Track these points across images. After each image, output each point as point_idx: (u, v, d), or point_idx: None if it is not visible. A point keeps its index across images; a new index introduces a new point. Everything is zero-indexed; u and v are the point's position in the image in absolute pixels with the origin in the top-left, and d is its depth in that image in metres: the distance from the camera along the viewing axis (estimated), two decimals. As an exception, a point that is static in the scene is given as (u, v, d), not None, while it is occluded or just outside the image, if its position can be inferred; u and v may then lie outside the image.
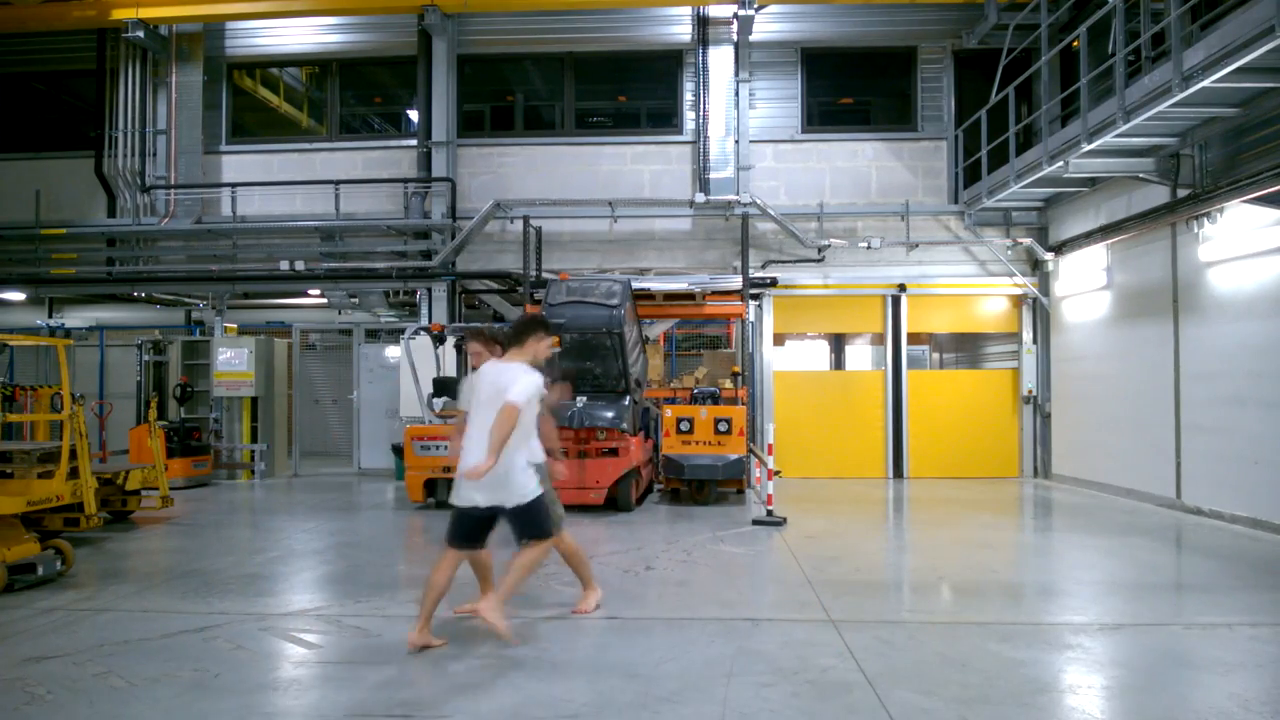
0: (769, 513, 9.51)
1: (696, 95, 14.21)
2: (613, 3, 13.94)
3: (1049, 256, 13.39)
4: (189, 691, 4.44)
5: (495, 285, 14.32)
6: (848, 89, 15.15)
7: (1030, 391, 13.85)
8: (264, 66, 15.63)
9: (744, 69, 14.08)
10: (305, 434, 15.25)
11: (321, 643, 5.26)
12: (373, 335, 15.49)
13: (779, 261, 13.88)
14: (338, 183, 14.28)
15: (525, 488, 5.10)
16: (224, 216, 14.64)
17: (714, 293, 12.67)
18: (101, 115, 14.82)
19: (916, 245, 13.83)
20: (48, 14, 14.06)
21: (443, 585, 5.08)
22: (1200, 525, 9.38)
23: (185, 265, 14.79)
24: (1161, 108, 8.50)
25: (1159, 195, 10.39)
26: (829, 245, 13.77)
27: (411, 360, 11.10)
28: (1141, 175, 10.35)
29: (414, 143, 14.44)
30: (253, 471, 13.95)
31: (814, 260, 13.78)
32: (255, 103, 15.82)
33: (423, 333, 11.67)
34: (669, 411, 10.95)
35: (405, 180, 14.31)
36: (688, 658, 4.91)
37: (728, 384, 12.98)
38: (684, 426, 10.68)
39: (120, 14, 13.82)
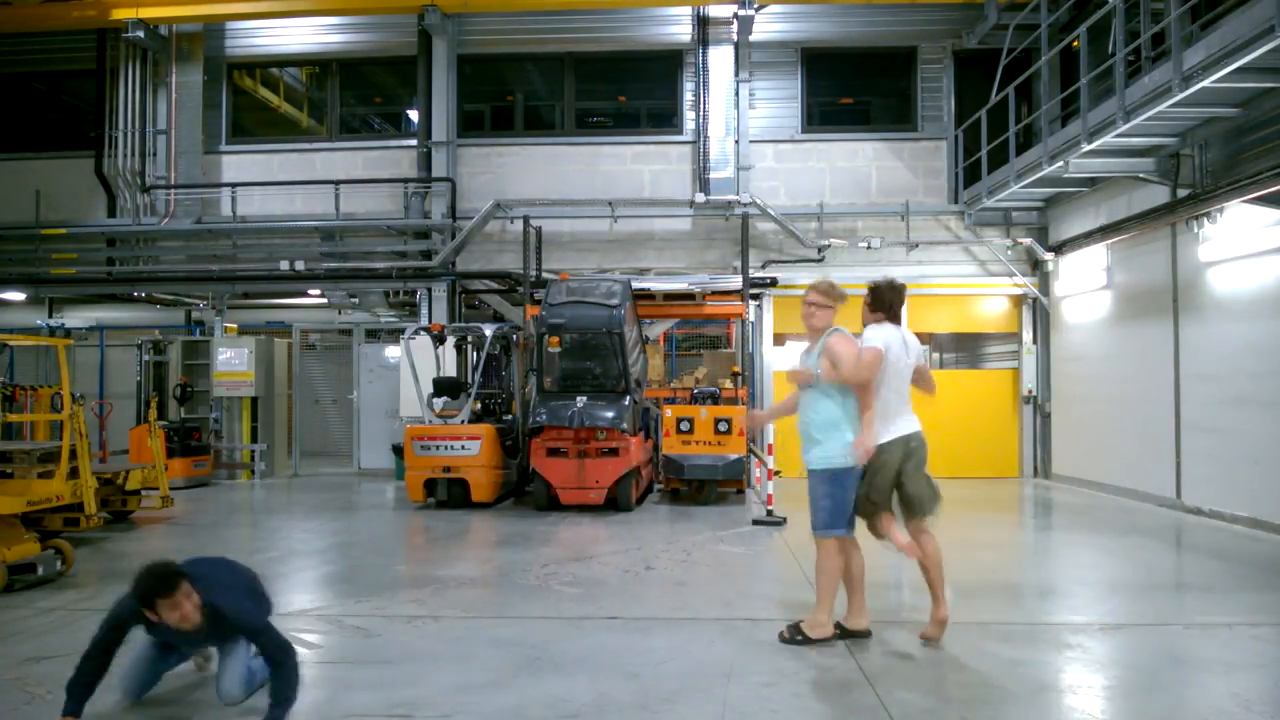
0: (769, 513, 9.51)
1: (696, 95, 14.19)
2: (613, 3, 13.94)
3: (1049, 256, 13.38)
4: (189, 691, 4.44)
5: (495, 285, 14.31)
6: (848, 89, 15.15)
7: (1030, 391, 13.84)
8: (264, 66, 15.63)
9: (744, 69, 14.07)
10: (305, 434, 15.24)
11: (321, 643, 5.26)
12: (373, 335, 15.47)
13: (779, 261, 13.87)
14: (338, 183, 14.27)
15: None
16: (224, 216, 14.63)
17: (714, 293, 12.65)
18: (101, 115, 14.81)
19: (916, 245, 13.82)
20: (48, 14, 14.06)
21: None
22: (1200, 525, 9.38)
23: (185, 265, 14.78)
24: (1161, 108, 8.49)
25: (1159, 195, 10.38)
26: (829, 245, 13.77)
27: (411, 360, 11.11)
28: (1141, 175, 10.35)
29: (414, 143, 14.43)
30: (253, 471, 13.95)
31: (814, 260, 13.77)
32: (255, 103, 15.81)
33: (423, 333, 11.67)
34: (669, 411, 10.95)
35: (405, 180, 14.30)
36: (688, 658, 4.91)
37: (728, 384, 12.96)
38: (684, 426, 10.68)
39: (120, 14, 13.81)
